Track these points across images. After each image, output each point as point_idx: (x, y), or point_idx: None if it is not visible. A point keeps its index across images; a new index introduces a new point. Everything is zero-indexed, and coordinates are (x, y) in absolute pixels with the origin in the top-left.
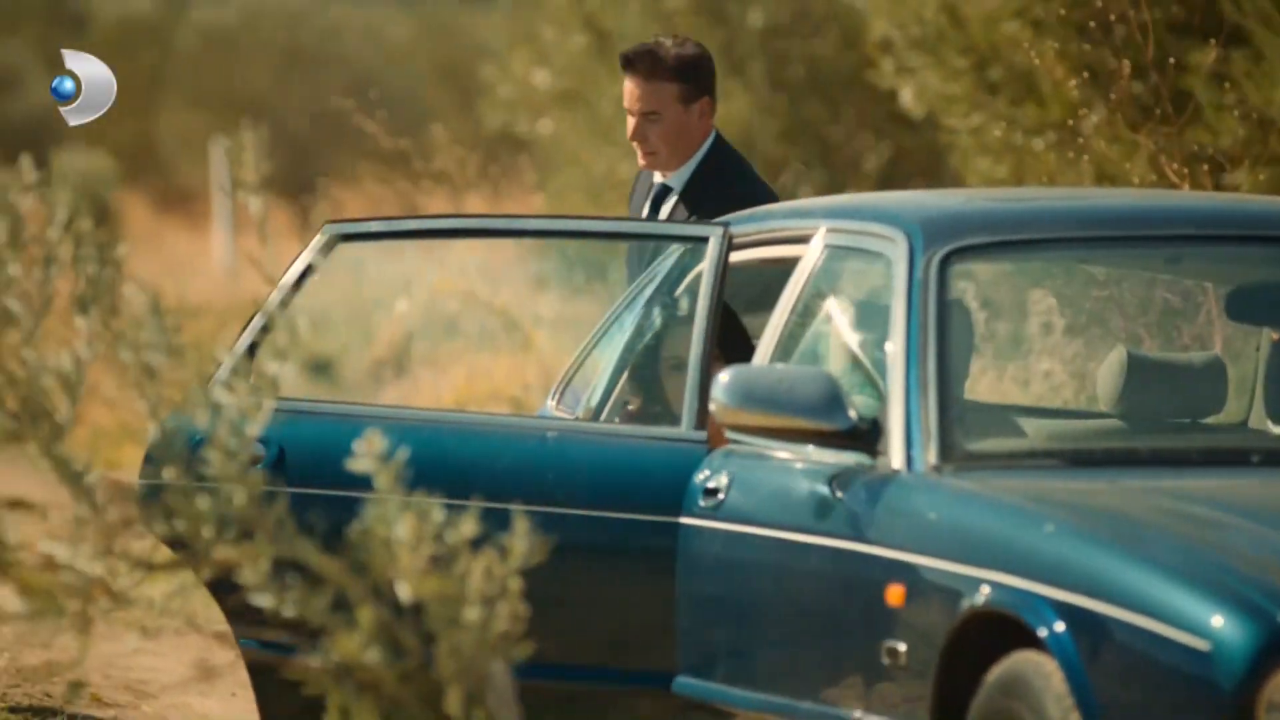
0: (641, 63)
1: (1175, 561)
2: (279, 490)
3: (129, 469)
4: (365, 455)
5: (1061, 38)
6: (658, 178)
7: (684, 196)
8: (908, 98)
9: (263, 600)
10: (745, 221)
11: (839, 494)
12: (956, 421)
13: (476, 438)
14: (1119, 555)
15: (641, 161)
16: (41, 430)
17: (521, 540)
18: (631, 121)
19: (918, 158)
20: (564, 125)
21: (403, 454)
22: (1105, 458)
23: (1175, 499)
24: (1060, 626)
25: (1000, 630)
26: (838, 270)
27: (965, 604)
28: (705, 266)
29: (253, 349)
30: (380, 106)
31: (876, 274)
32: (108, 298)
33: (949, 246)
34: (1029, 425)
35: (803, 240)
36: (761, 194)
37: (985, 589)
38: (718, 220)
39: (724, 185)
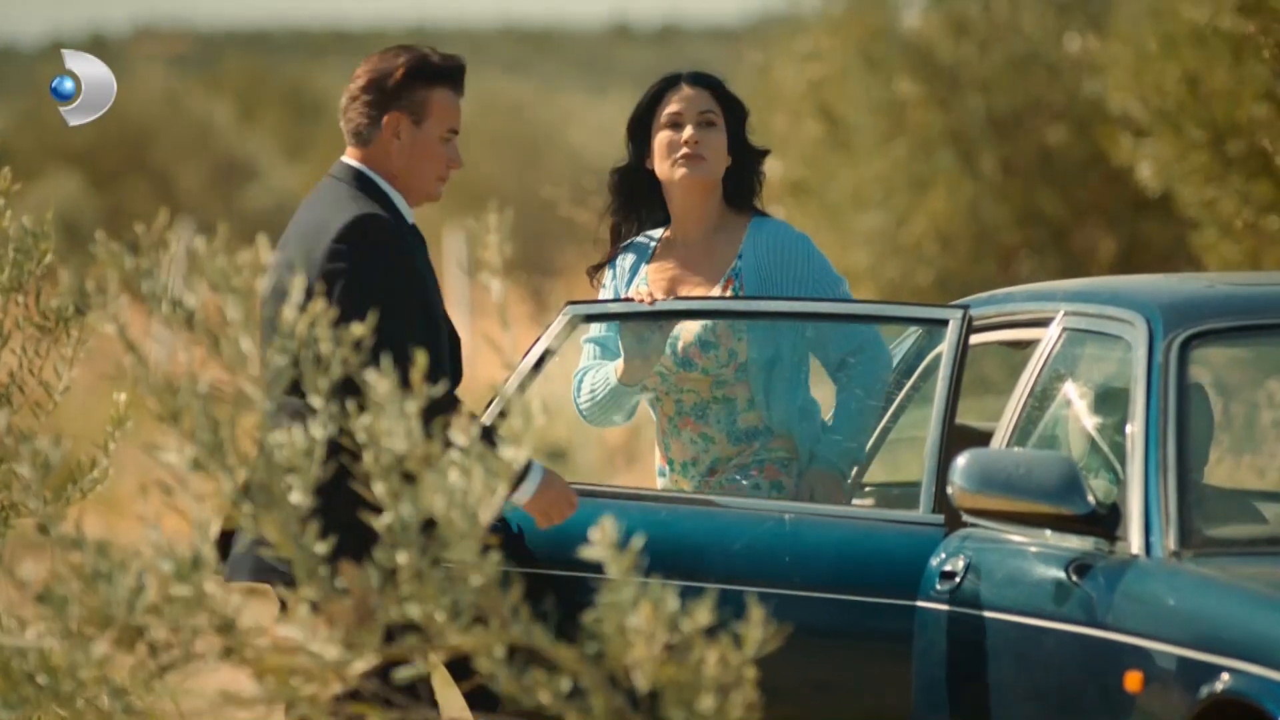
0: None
1: None
2: (517, 570)
3: None
4: (599, 543)
5: None
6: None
7: None
8: (1145, 173)
9: (498, 686)
10: (984, 304)
11: (1077, 579)
12: (1196, 506)
13: (714, 520)
14: None
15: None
16: (278, 512)
17: (757, 628)
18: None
19: (1153, 244)
20: (794, 213)
21: (637, 542)
22: None
23: None
24: None
25: (1241, 718)
26: (1077, 354)
27: (1205, 691)
28: (945, 348)
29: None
30: (595, 193)
31: (1116, 357)
32: (339, 378)
33: (1190, 330)
34: (1269, 511)
35: (1042, 323)
36: None
37: (1225, 676)
38: (958, 303)
39: None
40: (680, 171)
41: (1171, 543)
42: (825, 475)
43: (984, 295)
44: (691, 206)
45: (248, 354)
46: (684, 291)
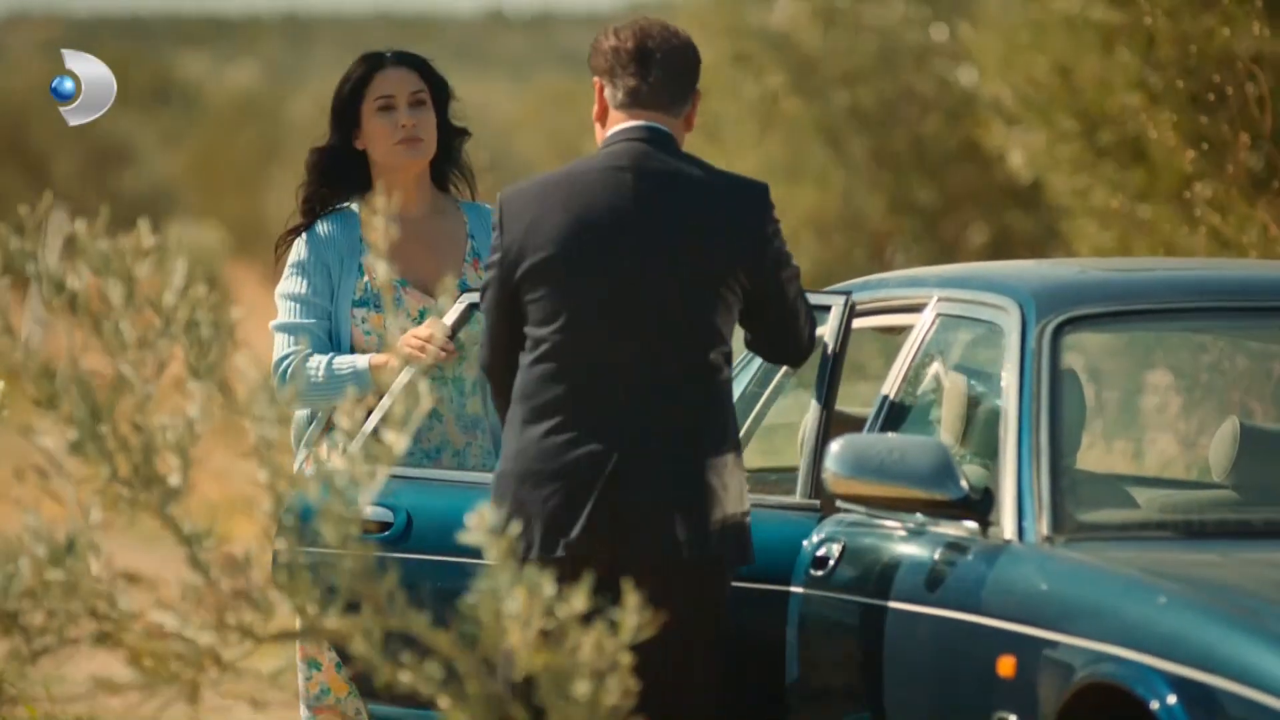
0: None
1: None
2: (404, 557)
3: (240, 541)
4: (476, 528)
5: (1176, 108)
6: None
7: None
8: (1016, 160)
9: (373, 672)
10: (858, 290)
11: (950, 564)
12: (1068, 492)
13: None
14: (1232, 628)
15: None
16: (155, 495)
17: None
18: None
19: (1023, 233)
20: None
21: (514, 528)
22: (1218, 529)
23: None
24: (1172, 699)
25: (1112, 702)
26: (950, 339)
27: (1077, 676)
28: (825, 334)
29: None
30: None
31: (989, 343)
32: (220, 364)
33: (1062, 316)
34: (1141, 496)
35: (915, 309)
36: None
37: (1097, 661)
38: (840, 288)
39: None
40: (402, 155)
41: (1044, 528)
42: None
43: (858, 281)
44: (409, 187)
45: (128, 337)
46: (432, 272)
